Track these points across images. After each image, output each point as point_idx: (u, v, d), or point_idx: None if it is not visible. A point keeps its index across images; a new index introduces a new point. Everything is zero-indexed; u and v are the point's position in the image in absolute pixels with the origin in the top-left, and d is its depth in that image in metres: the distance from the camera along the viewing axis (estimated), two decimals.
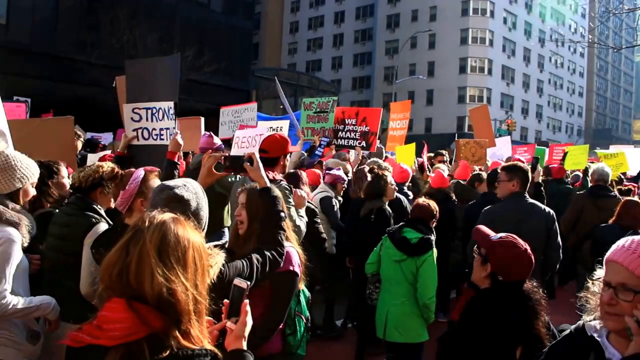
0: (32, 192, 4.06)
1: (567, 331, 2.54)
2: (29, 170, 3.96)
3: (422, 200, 6.20)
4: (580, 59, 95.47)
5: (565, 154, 13.79)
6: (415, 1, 75.80)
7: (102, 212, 4.34)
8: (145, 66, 6.95)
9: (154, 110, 6.27)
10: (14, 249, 3.57)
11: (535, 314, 3.33)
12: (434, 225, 6.05)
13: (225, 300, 2.39)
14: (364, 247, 6.64)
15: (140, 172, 3.80)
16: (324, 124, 11.42)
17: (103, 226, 4.19)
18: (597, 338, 2.31)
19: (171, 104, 6.21)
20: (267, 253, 3.40)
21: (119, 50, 32.25)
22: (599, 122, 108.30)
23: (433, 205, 6.07)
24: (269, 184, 3.74)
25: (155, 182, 3.72)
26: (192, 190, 3.18)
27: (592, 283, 2.42)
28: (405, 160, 11.02)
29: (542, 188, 8.38)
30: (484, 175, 8.76)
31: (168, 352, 1.94)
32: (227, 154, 4.10)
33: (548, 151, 16.42)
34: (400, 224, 5.99)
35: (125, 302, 1.96)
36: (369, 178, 7.60)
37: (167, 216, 2.18)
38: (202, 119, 10.25)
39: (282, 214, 3.66)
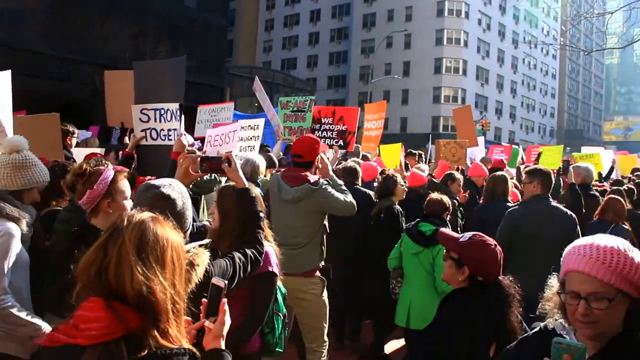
0: (37, 197, 4.21)
1: (537, 328, 2.57)
2: (41, 177, 4.16)
3: (434, 195, 6.44)
4: (552, 61, 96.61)
5: (539, 154, 13.97)
6: (391, 1, 76.06)
7: None
8: (154, 67, 7.06)
9: (162, 112, 6.35)
10: (13, 242, 3.63)
11: (510, 309, 3.37)
12: (447, 217, 6.38)
13: (204, 300, 2.38)
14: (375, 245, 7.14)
15: (109, 172, 3.65)
16: (301, 123, 11.37)
17: None
18: (565, 336, 2.34)
19: (177, 105, 6.31)
20: (249, 252, 3.39)
21: (90, 44, 31.86)
22: (570, 123, 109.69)
23: (445, 199, 6.35)
24: (246, 185, 3.73)
25: (124, 183, 3.68)
26: (178, 189, 3.19)
27: (549, 288, 2.45)
28: (390, 160, 11.12)
29: (576, 188, 8.65)
30: (457, 174, 8.85)
31: (146, 351, 1.93)
32: (203, 155, 4.07)
33: (525, 152, 16.69)
34: (417, 219, 6.27)
35: (104, 301, 1.94)
36: (379, 179, 7.91)
37: (146, 215, 2.17)
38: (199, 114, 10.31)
39: (261, 214, 3.66)
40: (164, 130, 6.37)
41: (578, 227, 6.20)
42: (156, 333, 1.98)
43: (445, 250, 3.70)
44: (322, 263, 5.81)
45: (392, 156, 11.63)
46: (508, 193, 7.75)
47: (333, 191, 5.56)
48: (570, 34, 64.16)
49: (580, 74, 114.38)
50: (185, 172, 3.97)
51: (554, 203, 6.41)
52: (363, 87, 69.66)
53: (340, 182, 5.90)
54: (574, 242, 2.35)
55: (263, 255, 3.58)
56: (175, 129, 6.30)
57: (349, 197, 5.65)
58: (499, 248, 3.56)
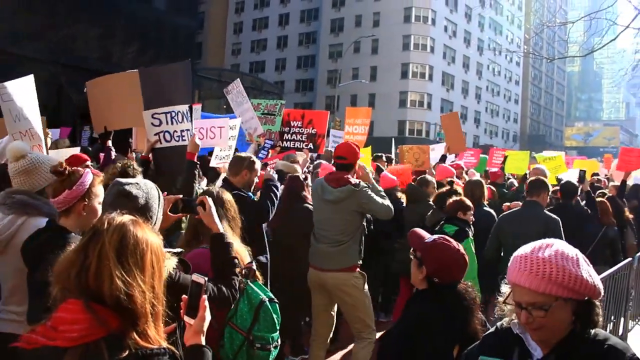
0: (51, 193, 4.08)
1: (494, 328, 2.69)
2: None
3: (453, 198, 6.88)
4: (516, 67, 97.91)
5: (505, 158, 14.38)
6: (359, 6, 76.59)
7: None
8: (160, 72, 7.19)
9: (173, 114, 6.58)
10: None
11: (471, 312, 3.43)
12: (468, 218, 6.67)
13: (184, 296, 2.42)
14: None
15: (89, 176, 3.54)
16: (270, 126, 11.21)
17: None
18: (520, 335, 2.44)
19: (186, 106, 6.62)
20: (225, 291, 3.38)
21: (56, 44, 31.55)
22: (533, 128, 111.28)
23: (460, 200, 6.78)
24: (221, 230, 3.60)
25: (100, 188, 3.58)
26: (144, 189, 3.18)
27: (500, 295, 2.53)
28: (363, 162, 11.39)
29: (591, 194, 9.10)
30: (430, 178, 9.03)
31: (127, 352, 1.95)
32: (181, 197, 3.93)
33: (488, 154, 16.97)
34: (441, 221, 6.66)
35: (83, 303, 1.95)
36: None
37: (127, 218, 2.18)
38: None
39: (236, 261, 3.55)
40: (177, 131, 6.61)
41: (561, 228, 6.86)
42: (135, 335, 1.99)
43: (412, 249, 3.73)
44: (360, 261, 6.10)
45: (364, 159, 11.98)
46: (484, 197, 8.12)
47: (373, 194, 5.92)
48: (534, 42, 65.32)
49: (543, 81, 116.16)
50: (164, 216, 3.59)
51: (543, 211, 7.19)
52: (330, 91, 69.85)
53: (380, 187, 6.32)
54: (517, 250, 2.44)
55: (235, 301, 3.51)
56: (187, 130, 6.60)
57: (387, 202, 6.04)
58: (462, 253, 3.61)
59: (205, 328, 2.38)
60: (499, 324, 2.61)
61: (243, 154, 6.58)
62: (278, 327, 3.60)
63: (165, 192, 4.98)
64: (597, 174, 15.01)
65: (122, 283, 1.97)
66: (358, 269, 5.96)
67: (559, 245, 2.35)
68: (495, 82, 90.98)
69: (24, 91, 6.30)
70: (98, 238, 2.06)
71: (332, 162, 7.23)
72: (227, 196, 4.13)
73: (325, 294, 6.04)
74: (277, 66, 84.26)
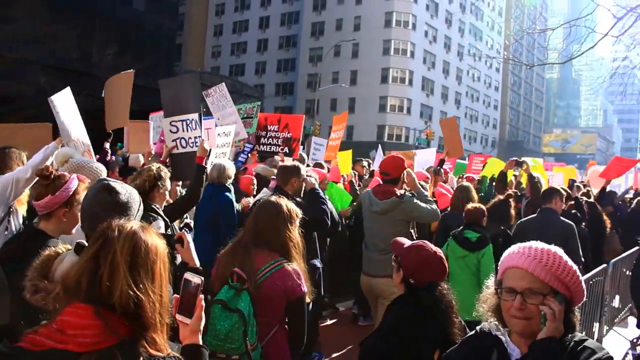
0: None
1: (474, 331, 2.72)
2: (97, 173, 4.51)
3: (471, 205, 7.18)
4: (495, 73, 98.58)
5: (484, 164, 14.37)
6: (340, 10, 76.71)
7: (160, 210, 4.98)
8: (176, 83, 7.66)
9: (188, 121, 7.00)
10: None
11: (448, 315, 3.47)
12: (485, 223, 7.03)
13: (175, 295, 2.36)
14: None
15: (74, 182, 3.55)
16: (248, 129, 11.36)
17: (160, 223, 4.72)
18: (500, 337, 2.51)
19: (196, 115, 7.00)
20: None
21: (35, 44, 31.21)
22: (512, 134, 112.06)
23: (481, 207, 7.12)
24: (198, 265, 3.52)
25: (83, 195, 3.46)
26: (127, 189, 3.14)
27: (487, 287, 2.65)
28: (345, 166, 11.32)
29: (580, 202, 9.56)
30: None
31: (141, 359, 1.96)
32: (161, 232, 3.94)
33: (468, 159, 17.05)
34: (461, 227, 6.95)
35: (93, 309, 1.94)
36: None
37: (137, 225, 2.16)
38: (151, 123, 10.36)
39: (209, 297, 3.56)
40: (191, 138, 7.01)
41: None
42: (145, 342, 2.00)
43: (394, 256, 3.79)
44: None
45: (346, 163, 11.93)
46: (474, 201, 8.05)
47: (417, 201, 6.30)
48: (514, 48, 65.90)
49: (522, 87, 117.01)
50: None
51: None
52: (311, 95, 69.89)
53: (426, 192, 6.66)
54: (512, 246, 2.57)
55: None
56: (199, 136, 6.92)
57: (434, 205, 6.46)
58: (438, 255, 3.66)
59: (202, 327, 2.37)
60: (478, 327, 2.67)
61: (288, 163, 7.12)
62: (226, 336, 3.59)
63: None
64: (574, 181, 15.15)
65: (133, 293, 1.97)
66: None
67: (559, 249, 2.48)
68: (475, 87, 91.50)
69: (66, 102, 6.80)
70: (109, 246, 2.04)
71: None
72: (291, 205, 4.21)
73: (374, 298, 6.35)
74: (257, 69, 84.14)
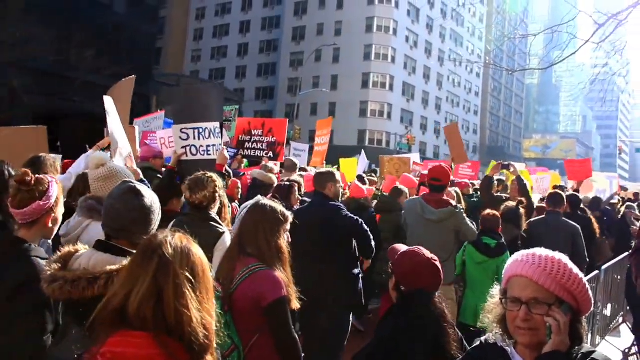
0: None
1: (478, 342, 2.62)
2: (129, 178, 4.49)
3: (487, 212, 7.45)
4: (476, 79, 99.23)
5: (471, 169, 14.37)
6: (321, 15, 76.76)
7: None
8: (194, 91, 8.20)
9: (201, 130, 7.13)
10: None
11: (442, 326, 3.31)
12: (500, 230, 7.34)
13: None
14: None
15: (54, 186, 3.42)
16: (227, 132, 11.44)
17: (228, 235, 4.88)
18: (505, 348, 2.40)
19: (217, 124, 7.21)
20: None
21: (11, 46, 30.80)
22: (492, 140, 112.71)
23: (497, 214, 7.41)
24: None
25: (62, 198, 3.51)
26: (151, 193, 3.16)
27: (492, 297, 2.52)
28: (350, 172, 11.31)
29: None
30: (404, 188, 9.12)
31: None
32: None
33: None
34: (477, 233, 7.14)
35: (154, 336, 1.85)
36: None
37: (184, 240, 2.08)
38: (137, 127, 10.37)
39: None
40: (203, 146, 7.15)
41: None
42: None
43: (389, 263, 3.70)
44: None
45: (351, 169, 11.93)
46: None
47: (465, 217, 6.75)
48: (494, 54, 66.43)
49: (502, 93, 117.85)
50: None
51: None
52: (291, 99, 69.81)
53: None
54: (515, 253, 2.45)
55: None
56: (214, 145, 7.15)
57: (474, 225, 6.88)
58: (431, 262, 3.50)
59: None
60: (483, 338, 2.59)
61: (322, 169, 7.28)
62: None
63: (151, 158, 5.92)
64: (560, 186, 15.31)
65: (200, 316, 1.91)
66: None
67: (564, 256, 2.37)
68: (455, 93, 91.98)
69: (112, 107, 6.95)
70: (167, 268, 1.93)
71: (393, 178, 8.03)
72: (280, 209, 4.20)
73: None
74: (238, 73, 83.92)
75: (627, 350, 8.77)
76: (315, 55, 67.57)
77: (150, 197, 3.08)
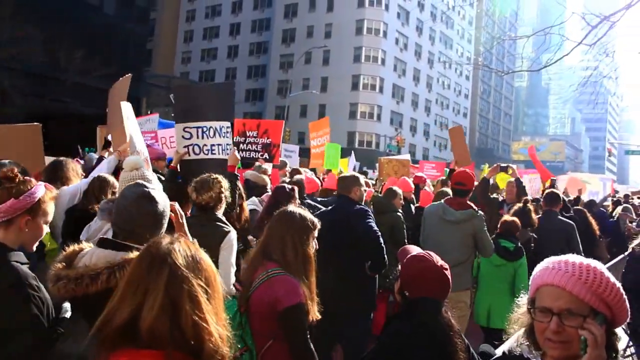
0: None
1: (500, 353, 2.48)
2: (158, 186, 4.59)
3: (506, 217, 7.76)
4: (465, 81, 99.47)
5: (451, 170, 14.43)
6: (311, 18, 76.78)
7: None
8: (196, 92, 7.76)
9: (205, 129, 7.01)
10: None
11: (448, 335, 3.13)
12: (518, 234, 7.65)
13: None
14: None
15: (40, 189, 3.23)
16: None
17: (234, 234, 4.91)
18: None
19: (227, 123, 7.09)
20: None
21: (1, 47, 30.63)
22: (481, 142, 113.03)
23: (516, 220, 7.71)
24: (190, 238, 3.52)
25: (51, 205, 3.30)
26: (163, 196, 3.17)
27: (518, 307, 2.34)
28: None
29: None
30: (398, 190, 9.10)
31: None
32: None
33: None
34: (493, 236, 7.31)
35: (165, 356, 1.74)
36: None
37: (191, 245, 1.97)
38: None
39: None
40: (206, 145, 7.03)
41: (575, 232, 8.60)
42: None
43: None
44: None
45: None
46: None
47: (485, 228, 6.79)
48: (484, 56, 66.60)
49: (492, 95, 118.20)
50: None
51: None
52: (281, 101, 69.77)
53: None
54: (545, 260, 2.26)
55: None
56: (220, 144, 7.04)
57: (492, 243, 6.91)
58: (439, 268, 3.29)
59: None
60: (506, 349, 2.47)
61: (347, 174, 7.30)
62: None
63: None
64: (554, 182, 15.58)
65: (221, 332, 1.82)
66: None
67: (599, 263, 2.17)
68: (445, 95, 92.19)
69: (130, 112, 7.15)
70: (181, 278, 1.81)
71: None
72: (308, 216, 4.20)
73: None
74: (228, 75, 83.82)
75: (622, 352, 8.77)
76: (305, 58, 67.50)
77: (163, 203, 3.10)
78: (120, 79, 8.64)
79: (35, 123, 7.46)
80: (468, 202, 6.89)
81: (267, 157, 11.04)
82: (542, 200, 9.76)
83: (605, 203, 15.99)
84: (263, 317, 3.74)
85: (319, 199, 9.06)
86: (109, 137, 8.54)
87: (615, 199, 17.02)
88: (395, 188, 9.19)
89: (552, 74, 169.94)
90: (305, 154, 18.69)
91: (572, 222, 8.80)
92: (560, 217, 8.97)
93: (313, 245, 4.00)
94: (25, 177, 3.24)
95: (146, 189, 3.07)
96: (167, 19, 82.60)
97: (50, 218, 3.30)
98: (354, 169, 17.31)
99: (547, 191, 9.72)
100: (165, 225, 3.09)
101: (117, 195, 5.30)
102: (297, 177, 8.93)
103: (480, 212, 6.80)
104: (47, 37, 33.09)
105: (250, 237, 6.44)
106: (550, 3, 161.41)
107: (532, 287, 2.22)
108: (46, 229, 3.29)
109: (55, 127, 23.97)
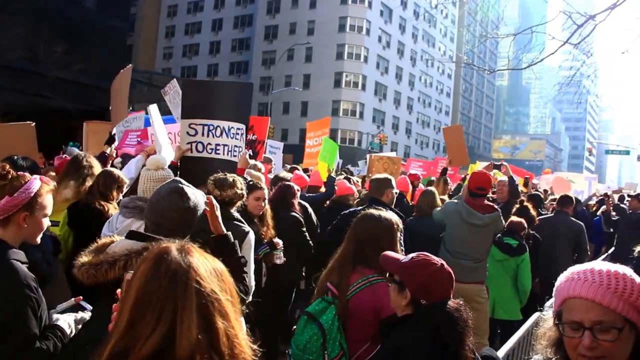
0: None
1: (503, 353, 2.35)
2: None
3: (514, 218, 8.08)
4: (448, 80, 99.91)
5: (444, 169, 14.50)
6: (294, 14, 76.59)
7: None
8: (208, 87, 7.56)
9: (211, 127, 6.84)
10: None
11: (462, 338, 2.98)
12: (523, 234, 8.06)
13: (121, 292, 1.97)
14: None
15: (35, 183, 3.16)
16: None
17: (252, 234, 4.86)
18: None
19: (240, 125, 6.97)
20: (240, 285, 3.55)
21: None
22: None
23: (522, 221, 8.08)
24: (224, 231, 3.72)
25: (48, 198, 3.24)
26: (196, 193, 3.26)
27: (544, 320, 2.20)
28: (324, 172, 11.43)
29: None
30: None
31: None
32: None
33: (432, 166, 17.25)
34: (499, 235, 7.59)
35: None
36: None
37: (203, 253, 1.81)
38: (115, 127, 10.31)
39: (243, 259, 3.80)
40: (211, 144, 6.85)
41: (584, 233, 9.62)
42: None
43: (387, 274, 3.40)
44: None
45: (322, 170, 11.99)
46: (438, 206, 8.16)
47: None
48: (466, 55, 66.96)
49: (473, 94, 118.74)
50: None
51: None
52: (263, 98, 69.50)
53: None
54: (568, 269, 2.10)
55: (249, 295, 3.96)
56: (226, 145, 6.88)
57: None
58: (446, 268, 3.19)
59: None
60: None
61: (380, 175, 7.28)
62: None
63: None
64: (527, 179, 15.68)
65: (247, 343, 1.73)
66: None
67: (627, 268, 2.01)
68: (427, 93, 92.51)
69: (157, 114, 7.39)
70: (209, 296, 1.65)
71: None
72: (393, 217, 4.24)
73: None
74: (210, 71, 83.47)
75: None
76: (287, 54, 67.39)
77: (195, 200, 3.19)
78: (122, 71, 8.58)
79: (29, 122, 7.43)
80: (488, 203, 7.32)
81: (251, 154, 10.87)
82: (556, 201, 10.74)
83: (589, 202, 16.13)
84: (366, 323, 3.73)
85: (306, 194, 9.09)
86: (113, 131, 8.49)
87: (599, 197, 17.17)
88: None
89: (532, 74, 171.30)
90: (286, 150, 18.62)
91: (581, 223, 9.75)
92: (572, 218, 9.89)
93: (400, 247, 4.11)
94: (19, 173, 3.18)
95: (179, 185, 3.18)
96: (149, 13, 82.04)
97: (49, 211, 3.25)
98: (338, 167, 17.25)
99: (561, 194, 10.80)
100: (194, 223, 3.21)
101: (123, 191, 5.62)
102: (283, 174, 9.05)
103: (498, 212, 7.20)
104: (27, 31, 32.57)
105: (276, 240, 6.42)
106: (531, 4, 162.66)
107: (558, 300, 2.08)
108: (46, 222, 3.26)
109: (35, 123, 23.63)
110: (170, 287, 1.66)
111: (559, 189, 14.91)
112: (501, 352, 4.56)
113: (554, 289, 2.11)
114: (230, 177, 5.11)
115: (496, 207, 7.29)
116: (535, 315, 5.65)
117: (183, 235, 2.90)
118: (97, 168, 5.97)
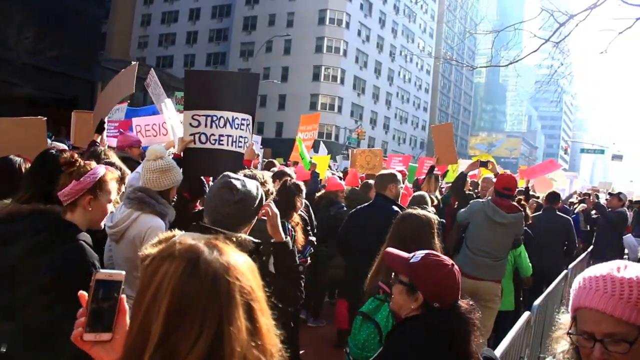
0: (174, 194, 5.04)
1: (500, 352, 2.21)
2: (179, 176, 4.88)
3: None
4: (426, 75, 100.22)
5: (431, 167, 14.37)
6: (273, 5, 76.15)
7: None
8: (211, 78, 7.37)
9: (215, 118, 6.68)
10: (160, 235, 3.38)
11: (469, 341, 2.93)
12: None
13: (83, 294, 1.70)
14: None
15: (100, 169, 3.33)
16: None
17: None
18: None
19: (245, 116, 6.81)
20: (293, 289, 3.69)
21: None
22: None
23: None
24: (284, 238, 3.74)
25: (113, 185, 3.40)
26: (247, 186, 3.31)
27: (557, 326, 2.04)
28: (320, 169, 11.78)
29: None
30: (372, 182, 8.99)
31: None
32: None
33: (418, 165, 17.23)
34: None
35: None
36: None
37: (234, 250, 1.60)
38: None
39: (301, 268, 3.80)
40: (214, 135, 6.70)
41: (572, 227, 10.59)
42: None
43: (393, 275, 3.32)
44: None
45: (323, 166, 12.34)
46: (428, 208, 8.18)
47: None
48: (445, 51, 67.24)
49: (452, 90, 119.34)
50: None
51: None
52: None
53: None
54: (583, 272, 1.94)
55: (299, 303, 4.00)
56: (230, 136, 6.71)
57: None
58: (456, 268, 3.12)
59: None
60: None
61: (385, 171, 7.60)
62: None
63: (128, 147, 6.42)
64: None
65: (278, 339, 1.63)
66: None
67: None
68: (406, 89, 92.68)
69: (172, 106, 7.51)
70: (248, 295, 1.51)
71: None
72: (432, 216, 4.45)
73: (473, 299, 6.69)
74: (186, 62, 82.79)
75: None
76: (266, 46, 66.91)
77: (246, 193, 3.27)
78: (127, 68, 8.29)
79: (40, 117, 7.18)
80: (513, 203, 7.54)
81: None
82: (544, 198, 11.58)
83: (570, 200, 16.27)
84: None
85: None
86: (105, 119, 8.24)
87: (581, 197, 17.31)
88: (370, 181, 9.25)
89: (509, 72, 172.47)
90: (263, 144, 18.48)
91: (569, 218, 10.84)
92: (559, 213, 10.75)
93: (439, 246, 4.24)
94: (85, 162, 3.33)
95: (228, 180, 3.29)
96: (124, 1, 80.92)
97: (113, 197, 3.42)
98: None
99: (548, 192, 11.43)
100: (252, 212, 3.32)
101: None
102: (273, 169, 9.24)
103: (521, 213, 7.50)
104: None
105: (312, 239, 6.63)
106: (508, 4, 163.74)
107: (572, 307, 1.94)
108: (110, 207, 3.43)
109: (2, 110, 23.04)
110: (214, 287, 1.50)
111: (541, 187, 15.01)
112: (497, 352, 4.44)
113: (571, 291, 1.97)
114: (260, 174, 4.88)
115: (520, 207, 7.53)
116: (526, 315, 5.58)
117: (242, 226, 3.29)
118: (118, 163, 5.77)
